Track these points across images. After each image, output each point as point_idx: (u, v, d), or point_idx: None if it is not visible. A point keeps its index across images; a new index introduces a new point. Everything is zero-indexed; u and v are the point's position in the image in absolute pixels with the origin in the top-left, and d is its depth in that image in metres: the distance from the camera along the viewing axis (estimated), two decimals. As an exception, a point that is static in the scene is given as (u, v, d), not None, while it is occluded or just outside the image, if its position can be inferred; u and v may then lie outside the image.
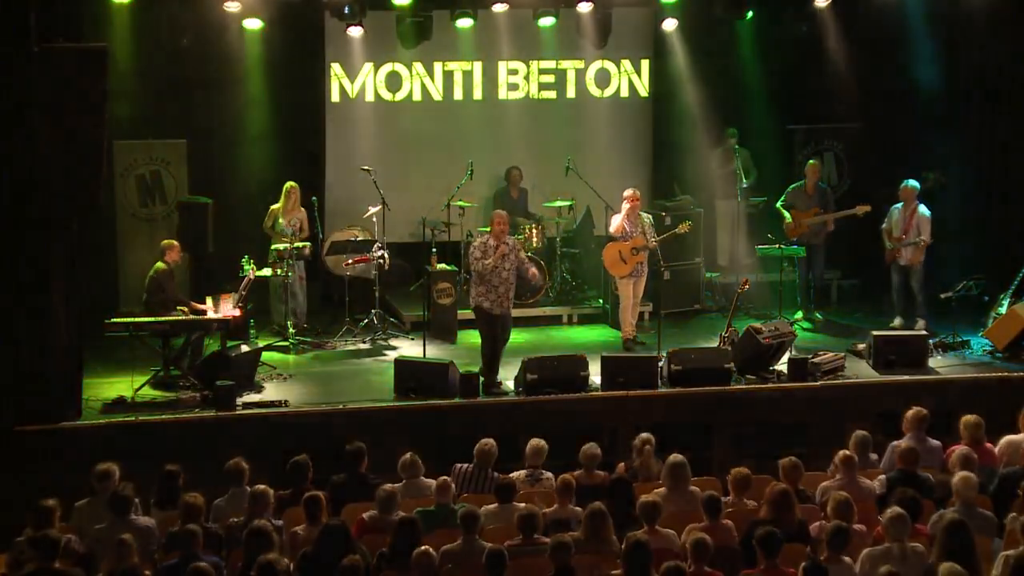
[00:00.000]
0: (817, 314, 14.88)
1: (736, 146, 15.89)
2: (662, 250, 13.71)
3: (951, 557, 7.77)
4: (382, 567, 8.23)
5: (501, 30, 15.59)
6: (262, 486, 8.95)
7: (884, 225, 14.28)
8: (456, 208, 15.08)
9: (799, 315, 14.75)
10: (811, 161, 15.20)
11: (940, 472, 9.80)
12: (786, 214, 14.69)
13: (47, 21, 11.06)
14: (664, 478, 9.42)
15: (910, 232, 14.02)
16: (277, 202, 14.20)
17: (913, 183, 14.12)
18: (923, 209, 14.04)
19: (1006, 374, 12.89)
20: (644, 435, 10.17)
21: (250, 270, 13.11)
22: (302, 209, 14.25)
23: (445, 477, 9.36)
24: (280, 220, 14.07)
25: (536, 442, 10.03)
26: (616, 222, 13.74)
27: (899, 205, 14.17)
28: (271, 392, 12.34)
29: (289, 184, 14.21)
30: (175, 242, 12.99)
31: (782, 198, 14.85)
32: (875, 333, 13.21)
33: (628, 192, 13.78)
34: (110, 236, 14.85)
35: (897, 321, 14.32)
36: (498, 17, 15.15)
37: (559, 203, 15.50)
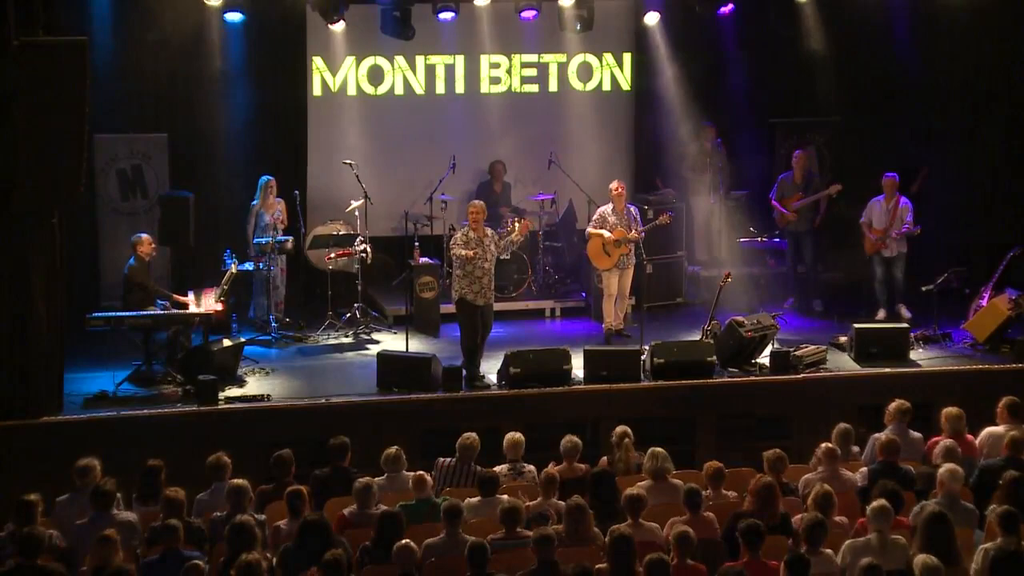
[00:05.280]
0: (814, 304, 14.94)
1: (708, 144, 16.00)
2: (644, 243, 13.75)
3: (932, 549, 7.82)
4: (364, 561, 8.23)
5: (483, 24, 15.57)
6: (240, 480, 8.94)
7: (863, 219, 14.36)
8: (439, 202, 15.07)
9: (791, 303, 14.85)
10: (797, 151, 15.23)
11: (922, 464, 9.87)
12: (778, 208, 14.77)
13: (26, 14, 11.00)
14: (647, 471, 9.44)
15: (895, 223, 14.11)
16: (255, 200, 14.17)
17: (893, 176, 14.21)
18: (904, 200, 14.15)
19: (987, 366, 12.94)
20: (621, 428, 10.18)
21: (232, 264, 13.08)
22: (280, 201, 14.22)
23: (422, 472, 9.36)
24: (265, 216, 14.04)
25: (512, 435, 10.03)
26: (597, 215, 13.76)
27: (879, 198, 14.26)
28: (253, 386, 12.32)
29: (265, 178, 14.18)
30: (143, 235, 12.88)
31: (773, 190, 14.91)
32: (856, 326, 13.24)
33: (613, 184, 13.82)
34: (91, 230, 14.81)
35: (881, 314, 14.37)
36: (480, 10, 15.13)
37: (541, 197, 15.51)
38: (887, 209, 14.19)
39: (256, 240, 13.85)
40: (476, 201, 12.79)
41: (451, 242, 12.69)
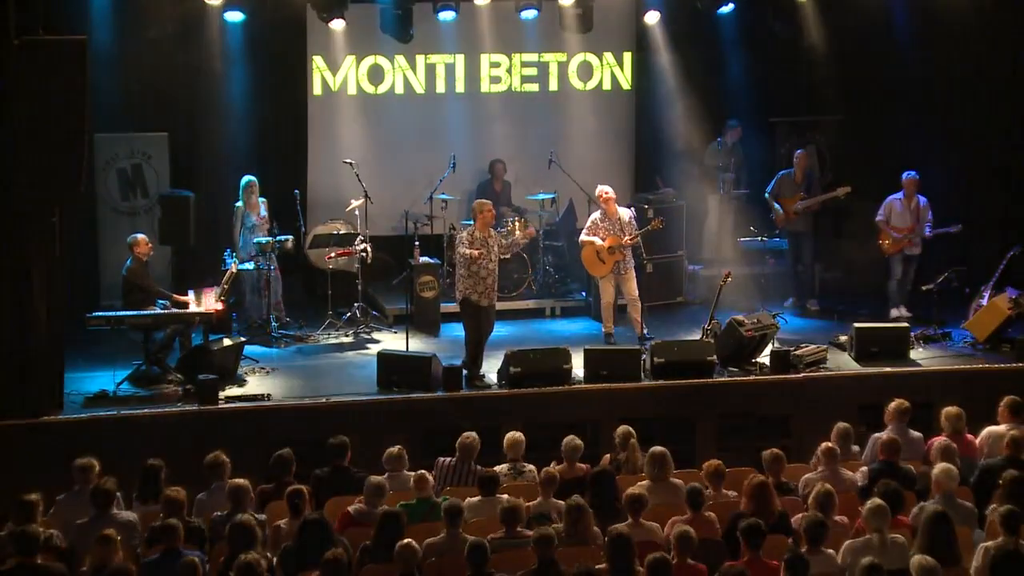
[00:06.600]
0: (810, 304, 14.95)
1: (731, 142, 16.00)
2: (644, 243, 13.72)
3: (932, 548, 7.82)
4: (365, 560, 8.23)
5: (483, 23, 15.57)
6: (240, 480, 8.93)
7: (880, 217, 14.36)
8: (439, 201, 15.07)
9: (790, 302, 14.86)
10: (799, 151, 15.23)
11: (922, 464, 9.86)
12: (776, 206, 14.77)
13: (26, 13, 11.00)
14: (647, 470, 9.44)
15: (922, 221, 14.15)
16: (239, 201, 14.15)
17: (914, 175, 14.25)
18: (924, 198, 14.27)
19: (987, 366, 12.94)
20: (625, 428, 10.18)
21: (232, 264, 13.08)
22: (263, 201, 14.18)
23: (424, 471, 9.36)
24: (251, 216, 14.02)
25: (513, 435, 10.04)
26: (589, 222, 13.67)
27: (898, 196, 14.26)
28: (254, 386, 12.32)
29: (248, 179, 14.16)
30: (139, 235, 12.86)
31: (770, 186, 14.92)
32: (857, 325, 13.23)
33: (599, 190, 13.67)
34: (91, 230, 14.81)
35: (896, 312, 14.37)
36: (480, 10, 15.14)
37: (542, 196, 15.50)
38: (909, 208, 14.22)
39: (256, 240, 13.83)
40: (486, 201, 12.73)
41: (456, 241, 12.66)
